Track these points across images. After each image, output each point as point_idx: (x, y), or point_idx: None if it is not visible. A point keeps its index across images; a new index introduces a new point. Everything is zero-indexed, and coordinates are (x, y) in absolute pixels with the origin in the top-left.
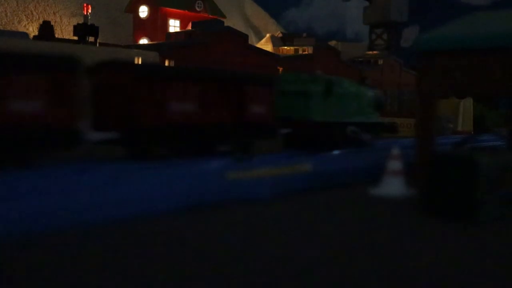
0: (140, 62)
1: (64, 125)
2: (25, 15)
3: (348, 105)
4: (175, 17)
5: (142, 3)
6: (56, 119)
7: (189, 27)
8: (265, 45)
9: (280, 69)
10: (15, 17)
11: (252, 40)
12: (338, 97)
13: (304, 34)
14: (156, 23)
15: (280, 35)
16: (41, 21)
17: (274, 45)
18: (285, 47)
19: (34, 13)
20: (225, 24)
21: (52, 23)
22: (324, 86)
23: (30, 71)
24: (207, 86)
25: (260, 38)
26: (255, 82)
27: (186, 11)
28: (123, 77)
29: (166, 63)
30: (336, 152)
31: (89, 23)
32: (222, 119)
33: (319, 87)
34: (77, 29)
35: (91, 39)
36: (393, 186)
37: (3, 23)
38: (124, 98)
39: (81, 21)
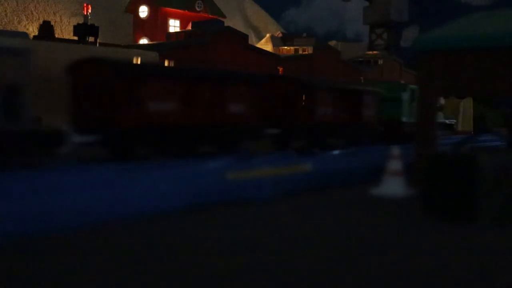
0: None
1: (255, 122)
2: (25, 15)
3: None
4: (175, 17)
5: (142, 3)
6: (251, 118)
7: (189, 27)
8: (265, 45)
9: (280, 69)
10: (15, 17)
11: (252, 40)
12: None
13: (304, 34)
14: (156, 23)
15: (280, 35)
16: (41, 21)
17: (274, 45)
18: (285, 47)
19: (34, 13)
20: (225, 24)
21: (52, 23)
22: (409, 93)
23: (241, 85)
24: (342, 95)
25: (260, 38)
26: (369, 92)
27: (186, 11)
28: (287, 88)
29: (166, 63)
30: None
31: (89, 23)
32: (347, 120)
33: (407, 94)
34: (77, 29)
35: (91, 39)
36: (393, 186)
37: (3, 23)
38: (287, 104)
39: (81, 21)
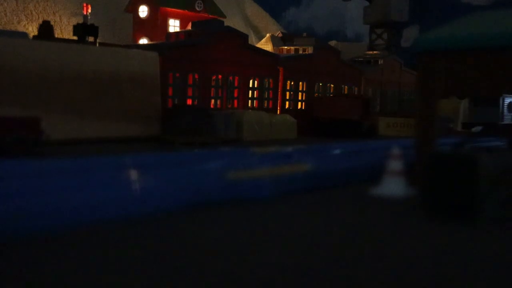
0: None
1: None
2: (24, 14)
3: None
4: (175, 17)
5: (142, 3)
6: None
7: (189, 27)
8: (265, 45)
9: (281, 69)
10: (15, 17)
11: (252, 40)
12: None
13: (304, 34)
14: (156, 23)
15: (280, 35)
16: (40, 20)
17: (274, 45)
18: (285, 47)
19: (34, 12)
20: (225, 24)
21: (52, 23)
22: None
23: None
24: None
25: (260, 38)
26: None
27: (186, 11)
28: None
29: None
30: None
31: (88, 23)
32: None
33: None
34: (76, 29)
35: (91, 39)
36: (393, 186)
37: (3, 22)
38: None
39: (80, 21)
